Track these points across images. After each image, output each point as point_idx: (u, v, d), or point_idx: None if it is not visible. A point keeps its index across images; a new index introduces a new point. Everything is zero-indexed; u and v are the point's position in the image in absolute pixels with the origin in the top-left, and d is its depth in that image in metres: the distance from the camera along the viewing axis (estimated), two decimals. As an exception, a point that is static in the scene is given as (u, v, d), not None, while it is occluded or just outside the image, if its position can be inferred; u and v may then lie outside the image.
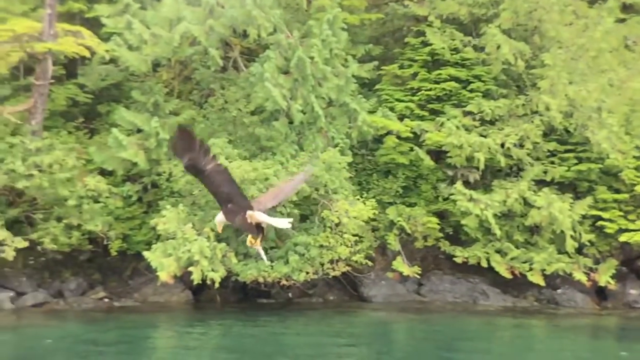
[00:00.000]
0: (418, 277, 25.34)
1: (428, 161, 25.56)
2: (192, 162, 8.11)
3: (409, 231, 25.13)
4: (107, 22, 24.99)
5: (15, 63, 24.32)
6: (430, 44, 26.96)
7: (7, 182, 22.85)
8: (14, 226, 23.33)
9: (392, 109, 26.00)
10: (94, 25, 25.84)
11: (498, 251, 25.15)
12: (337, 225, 23.22)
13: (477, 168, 25.16)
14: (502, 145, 25.24)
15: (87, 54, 24.37)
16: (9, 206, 23.72)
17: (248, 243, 9.46)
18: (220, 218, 8.83)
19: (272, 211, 9.56)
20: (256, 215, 8.54)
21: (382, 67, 27.54)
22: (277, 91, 23.35)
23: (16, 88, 26.16)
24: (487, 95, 26.62)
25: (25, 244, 22.57)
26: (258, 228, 8.73)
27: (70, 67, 26.63)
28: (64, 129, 25.53)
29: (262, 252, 10.28)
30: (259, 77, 23.79)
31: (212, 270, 21.82)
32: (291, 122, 24.25)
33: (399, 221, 25.01)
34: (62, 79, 26.49)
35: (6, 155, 23.08)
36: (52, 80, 24.77)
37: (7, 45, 23.53)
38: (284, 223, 9.32)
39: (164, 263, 21.70)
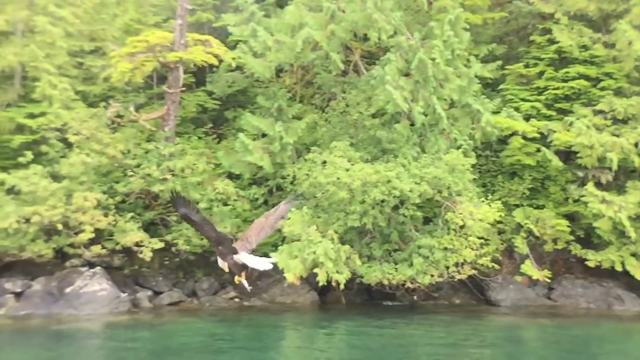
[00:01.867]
0: (548, 281, 24.65)
1: (556, 162, 24.75)
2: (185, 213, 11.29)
3: (537, 234, 24.47)
4: (234, 31, 25.90)
5: (149, 72, 25.57)
6: (557, 42, 26.15)
7: (143, 186, 24.09)
8: (150, 228, 24.55)
9: (517, 109, 25.40)
10: (221, 34, 26.90)
11: (633, 254, 24.07)
12: (461, 227, 22.84)
13: (610, 169, 24.17)
14: (636, 145, 24.15)
15: (215, 62, 25.35)
16: (146, 209, 24.97)
17: (236, 280, 12.06)
18: (221, 262, 10.84)
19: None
20: (242, 259, 10.43)
21: (506, 67, 26.97)
22: (398, 93, 23.26)
23: (150, 96, 27.61)
24: (618, 93, 25.55)
25: (161, 245, 23.68)
26: (244, 266, 10.67)
27: (199, 75, 27.76)
28: (194, 134, 26.66)
29: (245, 284, 12.79)
30: (380, 79, 23.79)
31: (337, 272, 21.96)
32: (412, 124, 24.11)
33: (526, 224, 24.41)
34: (192, 87, 27.67)
35: (142, 161, 24.38)
36: (183, 88, 25.92)
37: (142, 55, 24.81)
38: (265, 264, 11.35)
39: (290, 264, 22.07)
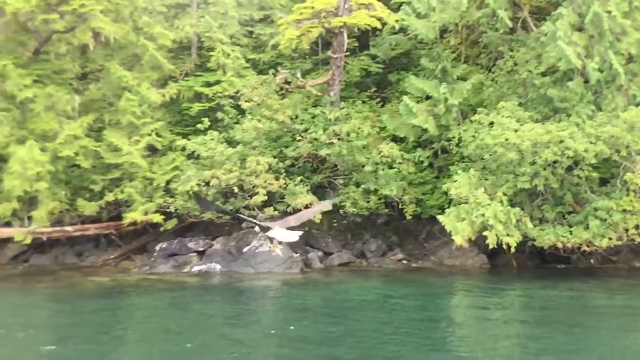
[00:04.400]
0: None
1: None
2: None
3: None
4: (397, -8, 25.72)
5: (314, 38, 26.10)
6: None
7: (311, 150, 24.74)
8: (318, 191, 25.23)
9: None
10: (384, -4, 26.75)
11: None
12: (642, 188, 21.64)
13: None
14: None
15: (378, 25, 25.34)
16: (313, 172, 25.65)
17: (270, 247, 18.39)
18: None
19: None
20: (271, 234, 14.15)
21: (692, 16, 24.88)
22: (570, 49, 22.24)
23: (316, 62, 28.22)
24: None
25: (329, 207, 24.20)
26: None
27: (363, 39, 27.94)
28: (358, 98, 26.99)
29: (279, 251, 18.63)
30: (551, 36, 22.80)
31: (507, 234, 21.56)
32: (587, 82, 22.98)
33: None
34: (356, 51, 27.94)
35: (309, 125, 25.00)
36: (347, 53, 26.21)
37: (308, 21, 25.34)
38: (292, 237, 14.82)
39: (458, 227, 21.90)
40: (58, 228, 24.90)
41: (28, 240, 24.22)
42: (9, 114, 24.52)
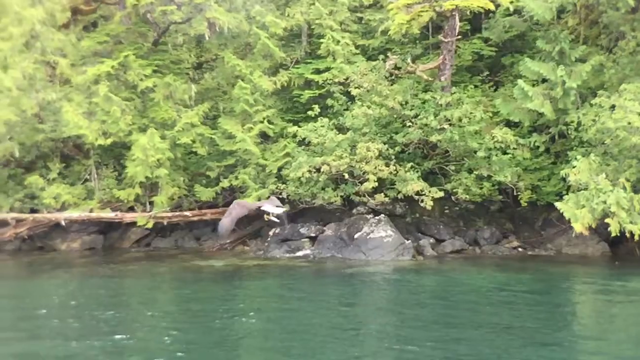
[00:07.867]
0: None
1: None
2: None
3: None
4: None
5: (425, 22, 25.73)
6: None
7: (421, 136, 24.45)
8: (429, 177, 24.98)
9: None
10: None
11: None
12: None
13: None
14: None
15: (491, 7, 24.63)
16: (424, 159, 25.38)
17: (265, 218, 19.55)
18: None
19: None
20: (263, 207, 17.68)
21: None
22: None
23: (426, 47, 27.86)
24: None
25: (441, 194, 23.91)
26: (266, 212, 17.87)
27: (475, 21, 27.35)
28: (470, 83, 26.45)
29: (273, 218, 19.23)
30: (677, 14, 21.58)
31: (631, 222, 20.64)
32: None
33: None
34: (467, 35, 27.35)
35: (420, 111, 24.70)
36: (459, 37, 25.66)
37: (418, 6, 24.98)
38: (279, 210, 18.26)
39: (577, 214, 21.13)
40: (177, 213, 25.94)
41: (150, 225, 25.41)
42: (131, 103, 25.75)
